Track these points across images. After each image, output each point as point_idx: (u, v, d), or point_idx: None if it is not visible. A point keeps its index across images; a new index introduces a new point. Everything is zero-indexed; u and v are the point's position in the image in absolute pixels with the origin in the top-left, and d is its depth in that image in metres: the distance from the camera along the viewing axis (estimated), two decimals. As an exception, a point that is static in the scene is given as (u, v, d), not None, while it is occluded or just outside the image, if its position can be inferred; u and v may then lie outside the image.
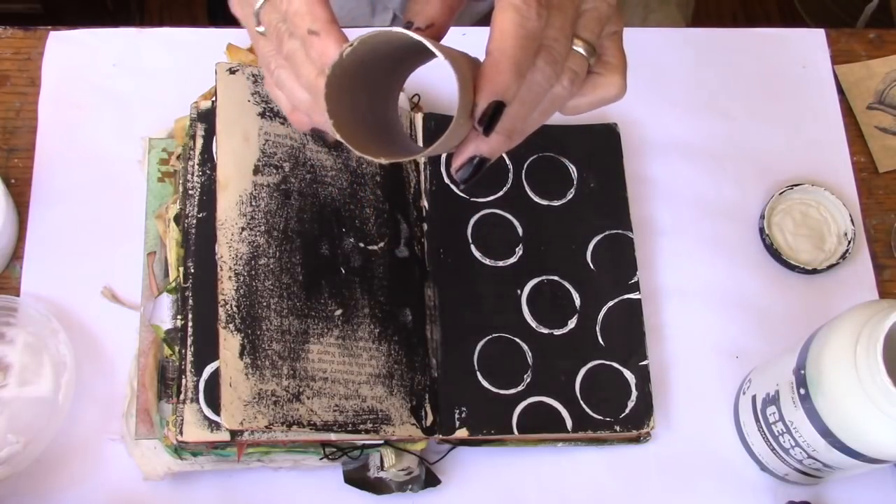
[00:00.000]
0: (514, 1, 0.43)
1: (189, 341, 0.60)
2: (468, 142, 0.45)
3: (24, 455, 0.61)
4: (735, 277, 0.72)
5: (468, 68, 0.44)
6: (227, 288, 0.60)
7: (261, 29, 0.48)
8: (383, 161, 0.44)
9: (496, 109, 0.43)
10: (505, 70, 0.42)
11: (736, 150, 0.76)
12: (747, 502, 0.66)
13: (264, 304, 0.61)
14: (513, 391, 0.65)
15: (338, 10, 1.01)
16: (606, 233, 0.70)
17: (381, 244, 0.66)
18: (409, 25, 0.48)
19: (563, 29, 0.45)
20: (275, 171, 0.64)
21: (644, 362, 0.67)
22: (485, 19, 0.53)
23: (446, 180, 0.70)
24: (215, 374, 0.59)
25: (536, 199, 0.71)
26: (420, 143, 0.70)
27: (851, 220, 0.72)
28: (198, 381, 0.59)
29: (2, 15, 1.41)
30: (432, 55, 0.42)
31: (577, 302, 0.68)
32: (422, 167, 0.70)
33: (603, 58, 0.48)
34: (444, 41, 0.46)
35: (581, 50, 0.46)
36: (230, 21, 0.53)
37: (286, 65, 0.47)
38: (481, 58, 0.44)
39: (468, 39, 0.52)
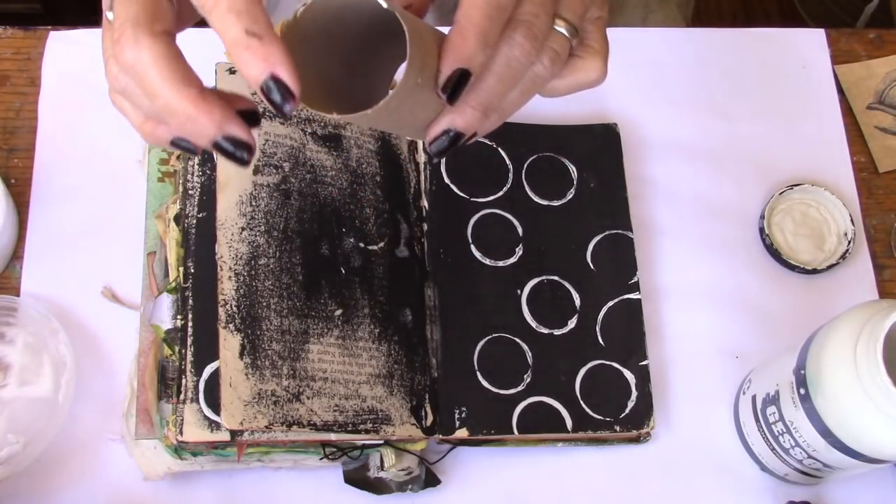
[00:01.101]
0: None
1: (189, 341, 0.60)
2: (443, 114, 0.44)
3: (24, 455, 0.61)
4: (735, 277, 0.72)
5: (429, 32, 0.43)
6: (227, 288, 0.60)
7: (110, 16, 0.42)
8: (335, 116, 0.42)
9: (460, 78, 0.42)
10: (470, 37, 0.42)
11: (736, 150, 0.76)
12: (747, 502, 0.66)
13: (264, 304, 0.61)
14: (513, 391, 0.65)
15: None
16: (606, 233, 0.70)
17: (381, 244, 0.66)
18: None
19: (544, 5, 0.44)
20: (275, 171, 0.64)
21: (644, 362, 0.67)
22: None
23: (446, 180, 0.70)
24: (215, 374, 0.59)
25: (536, 199, 0.71)
26: (421, 146, 0.70)
27: (851, 220, 0.72)
28: (198, 381, 0.59)
29: (2, 15, 1.41)
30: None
31: (577, 302, 0.68)
32: (422, 167, 0.70)
33: (585, 41, 0.48)
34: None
35: (563, 30, 0.45)
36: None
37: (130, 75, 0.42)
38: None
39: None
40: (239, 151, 0.42)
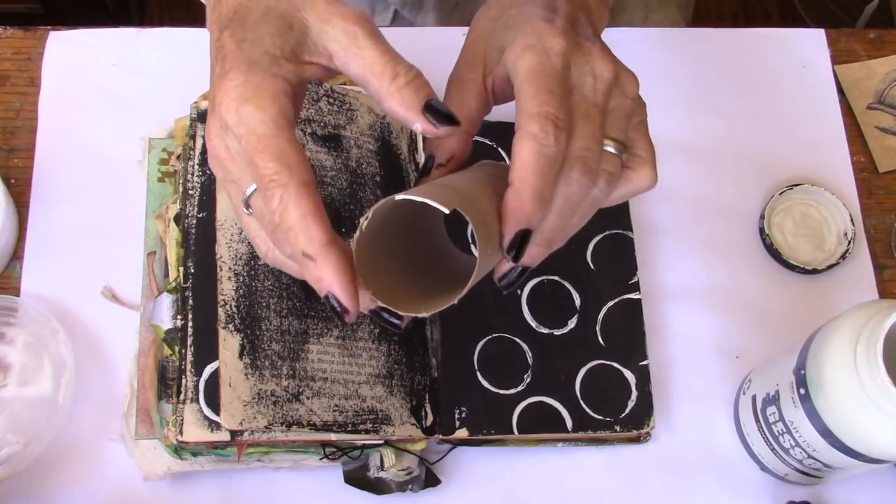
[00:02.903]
0: (532, 129, 0.43)
1: (189, 341, 0.60)
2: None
3: (24, 455, 0.61)
4: (735, 277, 0.72)
5: (485, 200, 0.44)
6: (227, 288, 0.60)
7: (248, 212, 0.47)
8: (424, 315, 0.44)
9: (523, 238, 0.44)
10: (527, 200, 0.43)
11: (736, 150, 0.76)
12: (747, 502, 0.66)
13: (264, 304, 0.61)
14: (513, 391, 0.65)
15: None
16: (606, 233, 0.70)
17: (381, 244, 0.66)
18: (430, 159, 0.49)
19: (594, 136, 0.45)
20: (275, 171, 0.64)
21: (644, 362, 0.67)
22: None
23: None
24: (215, 374, 0.59)
25: (536, 199, 0.71)
26: (421, 146, 0.70)
27: (851, 220, 0.72)
28: (198, 381, 0.59)
29: (2, 15, 1.42)
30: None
31: (577, 302, 0.68)
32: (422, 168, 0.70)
33: (633, 151, 0.49)
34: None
35: (612, 149, 0.47)
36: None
37: (287, 260, 0.47)
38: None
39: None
40: (392, 320, 0.45)
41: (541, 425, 0.64)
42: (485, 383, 0.65)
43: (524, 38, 0.46)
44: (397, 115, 0.44)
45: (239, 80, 0.43)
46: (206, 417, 0.58)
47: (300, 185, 0.42)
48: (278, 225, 0.43)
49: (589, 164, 0.45)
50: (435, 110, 0.44)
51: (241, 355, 0.58)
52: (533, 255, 0.46)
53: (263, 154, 0.42)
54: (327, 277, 0.42)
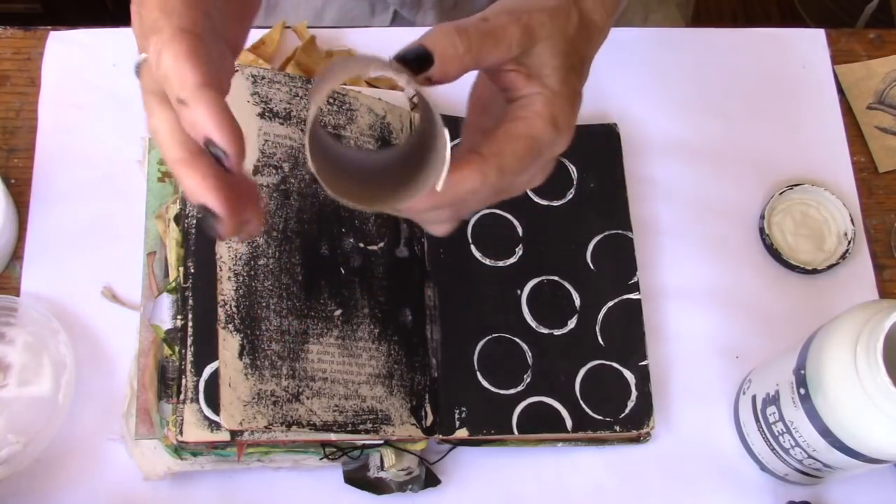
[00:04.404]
0: (485, 169, 0.44)
1: (189, 341, 0.60)
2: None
3: (24, 455, 0.61)
4: (735, 277, 0.72)
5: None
6: (227, 288, 0.60)
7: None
8: (366, 209, 0.44)
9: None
10: (435, 199, 0.44)
11: (736, 150, 0.76)
12: (747, 502, 0.66)
13: (264, 304, 0.61)
14: (513, 391, 0.65)
15: (337, 10, 1.01)
16: (606, 233, 0.70)
17: (381, 244, 0.66)
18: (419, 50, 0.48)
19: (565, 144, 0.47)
20: (274, 171, 0.64)
21: (644, 362, 0.67)
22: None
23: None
24: (215, 374, 0.59)
25: (536, 199, 0.71)
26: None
27: (851, 220, 0.72)
28: (198, 381, 0.59)
29: (2, 15, 1.41)
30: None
31: (577, 302, 0.68)
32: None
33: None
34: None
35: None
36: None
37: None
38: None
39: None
40: (208, 217, 0.43)
41: (541, 425, 0.64)
42: (485, 383, 0.65)
43: (546, 90, 0.45)
44: None
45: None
46: (206, 417, 0.58)
47: (176, 30, 0.40)
48: (163, 77, 0.41)
49: (548, 171, 0.48)
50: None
51: (240, 355, 0.58)
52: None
53: (147, 4, 0.41)
54: (200, 119, 0.40)
